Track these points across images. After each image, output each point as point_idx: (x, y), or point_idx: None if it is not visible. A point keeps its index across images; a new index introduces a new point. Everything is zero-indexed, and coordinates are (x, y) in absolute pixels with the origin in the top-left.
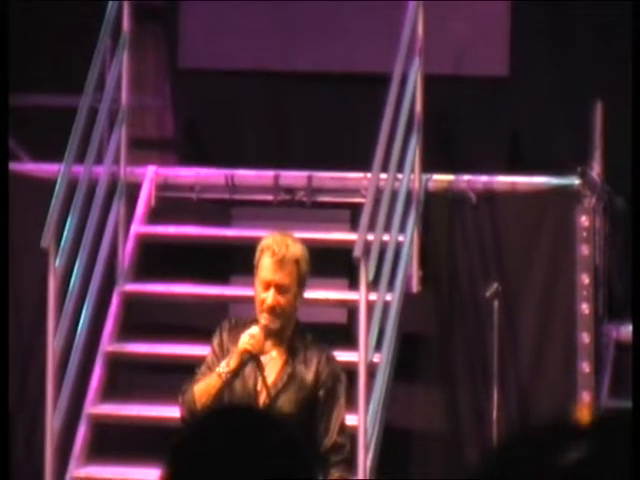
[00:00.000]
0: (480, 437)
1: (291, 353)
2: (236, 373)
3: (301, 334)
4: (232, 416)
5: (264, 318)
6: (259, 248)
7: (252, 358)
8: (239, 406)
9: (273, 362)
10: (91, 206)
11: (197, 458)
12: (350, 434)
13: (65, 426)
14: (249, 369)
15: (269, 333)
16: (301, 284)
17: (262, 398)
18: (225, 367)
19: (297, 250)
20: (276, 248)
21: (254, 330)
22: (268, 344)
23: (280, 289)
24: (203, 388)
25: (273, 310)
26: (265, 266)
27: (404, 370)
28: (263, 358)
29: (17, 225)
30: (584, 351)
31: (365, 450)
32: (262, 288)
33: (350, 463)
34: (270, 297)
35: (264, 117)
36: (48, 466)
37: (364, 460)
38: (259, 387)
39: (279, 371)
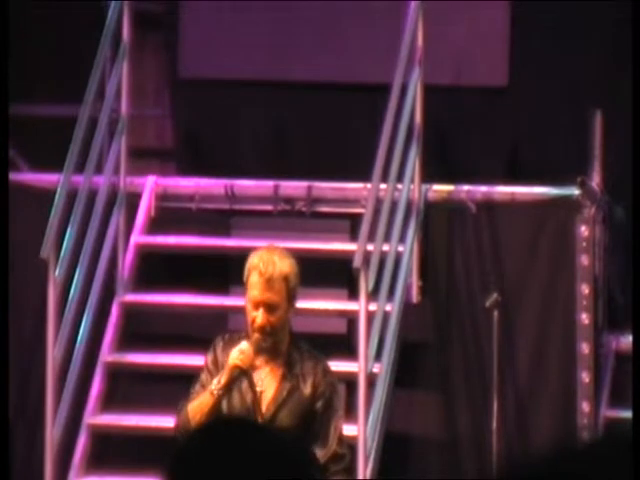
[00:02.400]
0: (479, 446)
1: (288, 366)
2: (228, 389)
3: (296, 345)
4: (230, 427)
5: (255, 337)
6: (247, 266)
7: (243, 373)
8: (237, 417)
9: (271, 376)
10: (91, 216)
11: (196, 469)
12: (349, 444)
13: (65, 436)
14: (246, 385)
15: (264, 349)
16: (291, 299)
17: (261, 413)
18: (217, 384)
19: (285, 266)
20: (262, 267)
21: (244, 345)
22: (261, 359)
23: (269, 308)
24: (196, 407)
25: (264, 329)
26: (253, 285)
27: (404, 380)
28: (261, 372)
29: (17, 235)
30: (584, 361)
31: (365, 460)
32: (252, 307)
33: (350, 472)
34: (260, 316)
35: (264, 127)
36: (48, 476)
37: (364, 470)
38: (257, 401)
39: (278, 386)
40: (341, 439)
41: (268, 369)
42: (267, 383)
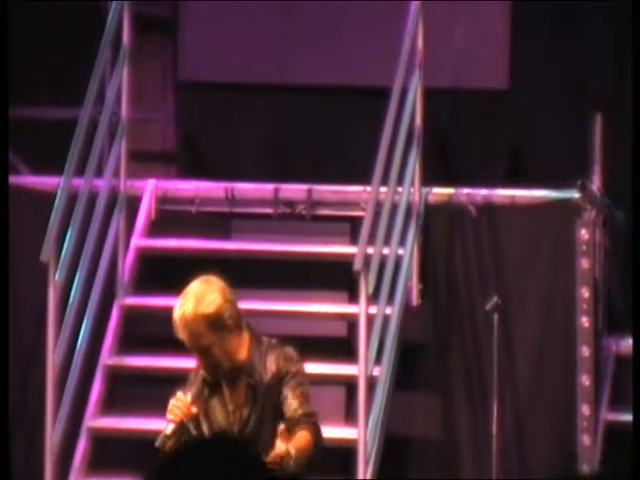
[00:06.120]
0: (479, 450)
1: (250, 374)
2: (175, 437)
3: (257, 344)
4: (208, 446)
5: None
6: None
7: (180, 423)
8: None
9: (237, 391)
10: (91, 219)
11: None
12: (347, 448)
13: (65, 439)
14: (219, 407)
15: (221, 375)
16: (224, 330)
17: (235, 428)
18: (163, 437)
19: (204, 308)
20: (178, 319)
21: (179, 395)
22: (224, 382)
23: (201, 351)
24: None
25: (205, 367)
26: (180, 335)
27: (404, 383)
28: (229, 390)
29: (17, 239)
30: (584, 364)
31: (365, 463)
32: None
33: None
34: (196, 361)
35: (264, 130)
36: (48, 479)
37: (364, 473)
38: (232, 419)
39: (245, 397)
40: (308, 401)
41: (234, 385)
42: (235, 399)
